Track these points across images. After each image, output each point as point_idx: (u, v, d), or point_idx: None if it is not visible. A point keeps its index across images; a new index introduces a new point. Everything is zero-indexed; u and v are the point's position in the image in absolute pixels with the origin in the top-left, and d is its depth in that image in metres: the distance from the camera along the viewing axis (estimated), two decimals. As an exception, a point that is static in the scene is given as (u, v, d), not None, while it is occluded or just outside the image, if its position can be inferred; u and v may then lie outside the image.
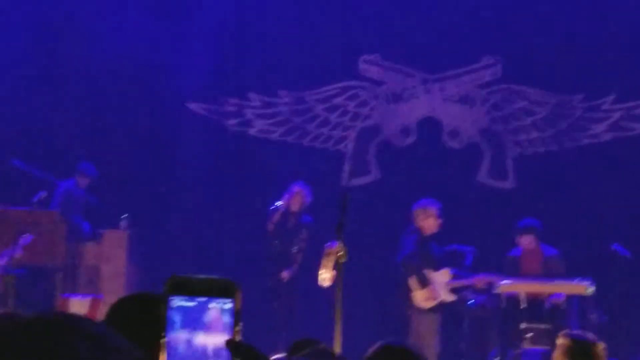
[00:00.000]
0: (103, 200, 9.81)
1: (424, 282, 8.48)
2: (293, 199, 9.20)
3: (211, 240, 10.32)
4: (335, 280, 5.86)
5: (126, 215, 9.64)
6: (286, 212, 9.23)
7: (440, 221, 8.61)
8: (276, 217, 9.21)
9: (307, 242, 9.16)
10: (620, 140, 10.27)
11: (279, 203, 9.23)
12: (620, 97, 10.25)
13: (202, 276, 1.25)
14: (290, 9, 10.64)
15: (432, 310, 8.58)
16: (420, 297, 8.56)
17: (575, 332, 5.06)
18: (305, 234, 9.22)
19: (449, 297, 8.65)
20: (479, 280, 8.62)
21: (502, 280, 8.58)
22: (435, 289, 8.56)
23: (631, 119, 10.26)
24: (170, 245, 10.22)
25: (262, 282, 9.10)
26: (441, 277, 8.61)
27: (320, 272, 6.02)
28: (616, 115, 10.29)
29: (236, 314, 1.24)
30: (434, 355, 8.21)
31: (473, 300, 8.91)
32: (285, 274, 9.11)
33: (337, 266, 5.90)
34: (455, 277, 8.66)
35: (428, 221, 8.60)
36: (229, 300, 1.24)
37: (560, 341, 4.58)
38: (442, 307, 8.59)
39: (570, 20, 10.26)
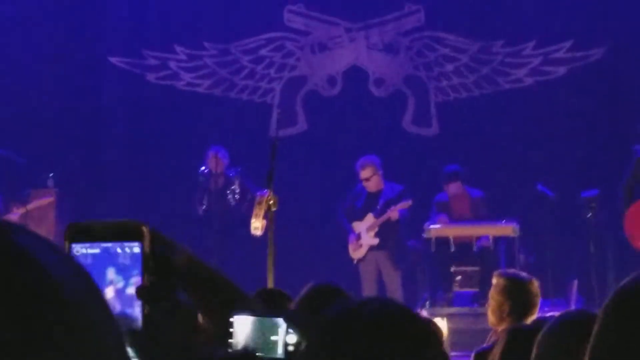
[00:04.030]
0: (29, 160, 9.34)
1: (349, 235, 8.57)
2: (212, 164, 8.99)
3: (140, 192, 9.97)
4: (267, 228, 5.71)
5: (52, 174, 9.19)
6: (211, 176, 9.02)
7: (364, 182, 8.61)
8: (203, 190, 9.01)
9: (243, 193, 8.89)
10: (541, 84, 10.15)
11: (202, 169, 9.07)
12: (540, 42, 10.10)
13: (104, 220, 1.14)
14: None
15: (362, 259, 8.56)
16: (350, 250, 8.59)
17: (510, 271, 4.95)
18: (237, 183, 8.97)
19: (372, 241, 8.53)
20: (390, 213, 8.43)
21: (406, 205, 8.43)
22: (354, 238, 8.52)
23: (550, 62, 10.13)
24: (98, 202, 9.82)
25: (194, 232, 8.89)
26: (364, 225, 8.55)
27: (252, 222, 5.85)
28: (537, 60, 10.16)
29: (145, 257, 1.11)
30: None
31: None
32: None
33: (268, 214, 5.75)
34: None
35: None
36: (137, 243, 1.11)
37: (496, 281, 4.48)
38: (379, 250, 8.51)
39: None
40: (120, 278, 1.10)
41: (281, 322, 1.83)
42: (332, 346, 1.41)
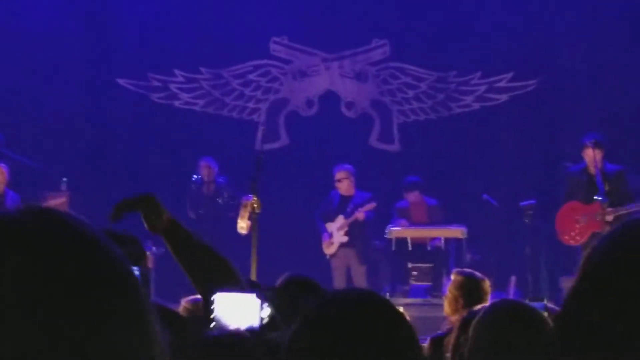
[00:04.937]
0: (45, 166, 9.11)
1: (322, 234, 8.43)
2: (204, 172, 8.81)
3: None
4: (252, 228, 5.58)
5: (65, 179, 8.95)
6: (202, 183, 8.86)
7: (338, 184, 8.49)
8: (195, 195, 8.86)
9: (232, 198, 8.70)
10: (486, 108, 10.08)
11: (195, 177, 8.92)
12: (485, 73, 10.04)
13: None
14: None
15: (334, 255, 8.42)
16: (324, 247, 8.44)
17: (467, 270, 4.82)
18: (227, 192, 8.79)
19: (342, 239, 8.38)
20: (357, 214, 8.29)
21: (371, 207, 8.31)
22: (327, 237, 8.37)
23: (494, 91, 10.07)
24: (105, 205, 9.59)
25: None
26: (335, 225, 8.45)
27: (238, 222, 5.71)
28: (482, 88, 10.10)
29: (143, 279, 1.08)
30: None
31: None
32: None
33: (252, 216, 5.62)
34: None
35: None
36: (136, 268, 1.12)
37: (454, 277, 4.37)
38: (348, 247, 8.38)
39: (445, 8, 9.94)
40: None
41: (256, 298, 1.76)
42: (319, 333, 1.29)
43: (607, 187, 7.43)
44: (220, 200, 8.84)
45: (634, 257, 0.75)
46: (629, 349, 0.72)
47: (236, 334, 1.66)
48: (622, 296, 0.74)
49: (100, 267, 0.62)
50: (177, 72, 10.22)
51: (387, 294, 8.22)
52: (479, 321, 2.28)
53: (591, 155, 7.48)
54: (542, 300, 2.98)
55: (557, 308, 3.20)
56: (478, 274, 4.42)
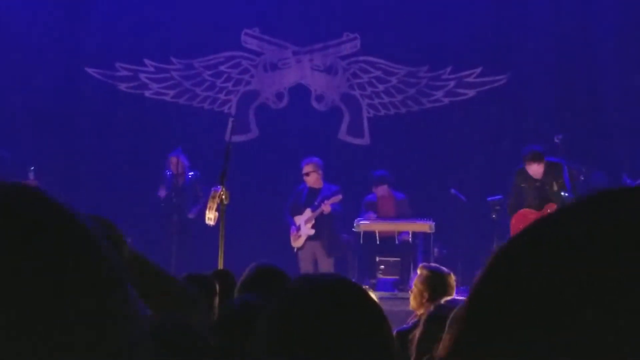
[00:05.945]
0: (13, 155, 8.94)
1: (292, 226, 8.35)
2: (174, 167, 8.71)
3: (111, 186, 9.61)
4: (219, 219, 5.50)
5: (33, 167, 8.79)
6: (173, 176, 8.75)
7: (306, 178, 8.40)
8: (167, 186, 8.74)
9: (202, 191, 8.59)
10: (455, 103, 10.08)
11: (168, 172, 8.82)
12: (455, 68, 10.03)
13: None
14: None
15: (301, 248, 8.34)
16: (291, 240, 8.36)
17: (432, 264, 4.78)
18: (198, 187, 8.68)
19: (309, 232, 8.32)
20: (323, 206, 8.24)
21: (336, 199, 8.23)
22: (294, 229, 8.30)
23: (463, 86, 10.07)
24: (73, 194, 9.44)
25: (160, 227, 8.62)
26: (303, 218, 8.38)
27: (206, 213, 5.63)
28: (452, 83, 10.08)
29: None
30: None
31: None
32: (192, 214, 8.57)
33: (220, 207, 5.54)
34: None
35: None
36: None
37: (420, 272, 4.33)
38: (315, 240, 8.32)
39: (416, 3, 9.91)
40: None
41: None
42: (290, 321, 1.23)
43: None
44: (190, 193, 8.75)
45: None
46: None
47: (188, 331, 1.57)
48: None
49: (74, 241, 0.59)
50: (147, 61, 10.08)
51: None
52: (453, 318, 2.26)
53: (535, 169, 7.65)
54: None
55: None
56: (444, 268, 4.39)
